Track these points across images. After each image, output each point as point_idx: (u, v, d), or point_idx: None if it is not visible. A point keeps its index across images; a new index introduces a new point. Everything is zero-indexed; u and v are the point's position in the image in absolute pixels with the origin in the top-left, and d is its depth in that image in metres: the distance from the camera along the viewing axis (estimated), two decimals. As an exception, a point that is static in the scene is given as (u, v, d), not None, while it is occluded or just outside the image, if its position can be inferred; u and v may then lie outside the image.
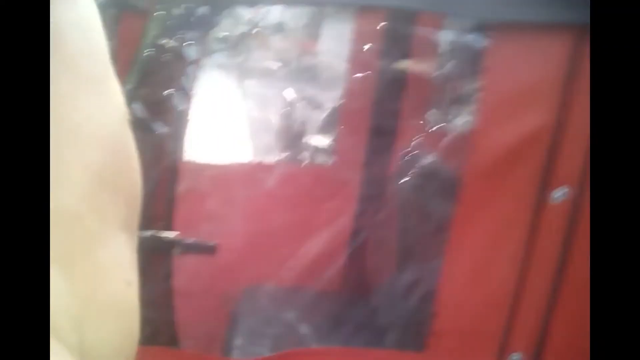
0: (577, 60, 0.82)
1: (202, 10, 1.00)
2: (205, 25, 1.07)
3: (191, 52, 1.04)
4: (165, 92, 1.30)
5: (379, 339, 1.24)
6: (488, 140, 0.85)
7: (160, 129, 1.39)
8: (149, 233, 1.31)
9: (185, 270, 1.42)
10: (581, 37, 0.82)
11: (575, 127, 0.86)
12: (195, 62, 1.09)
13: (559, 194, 0.88)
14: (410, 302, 1.13)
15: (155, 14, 0.89)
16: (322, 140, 2.20)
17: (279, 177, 1.81)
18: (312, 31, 4.81)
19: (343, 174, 1.74)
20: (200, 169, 1.68)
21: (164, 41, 0.95)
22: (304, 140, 2.31)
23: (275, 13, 5.02)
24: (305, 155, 2.27)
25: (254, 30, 4.67)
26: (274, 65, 4.70)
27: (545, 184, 0.88)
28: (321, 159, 2.16)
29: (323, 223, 1.72)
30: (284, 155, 2.34)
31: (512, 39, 0.82)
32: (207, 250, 1.44)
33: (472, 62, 1.02)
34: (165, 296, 1.36)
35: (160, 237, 1.33)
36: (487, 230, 0.90)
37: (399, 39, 1.51)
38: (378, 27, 1.52)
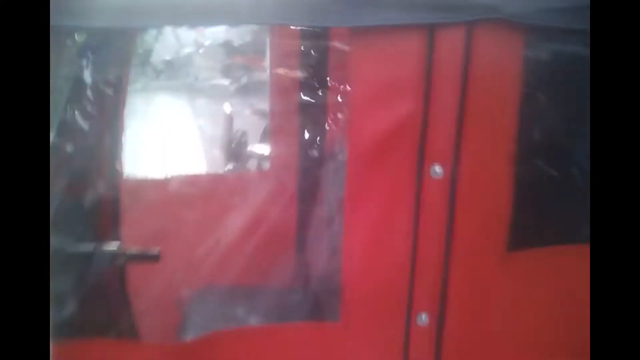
0: (432, 55, 0.96)
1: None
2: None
3: (87, 76, 1.15)
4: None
5: (296, 314, 1.36)
6: (362, 129, 0.99)
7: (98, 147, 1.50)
8: (91, 246, 1.41)
9: (137, 278, 1.52)
10: (432, 35, 0.96)
11: (441, 113, 1.00)
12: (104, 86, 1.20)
13: (435, 170, 1.01)
14: (323, 279, 1.26)
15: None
16: (264, 149, 2.33)
17: (222, 185, 1.92)
18: (259, 47, 4.96)
19: (279, 177, 1.86)
20: (143, 184, 1.78)
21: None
22: (249, 150, 2.45)
23: (220, 32, 5.15)
24: (252, 164, 2.40)
25: (200, 50, 4.79)
26: (224, 82, 4.82)
27: (422, 163, 1.01)
28: (266, 166, 2.28)
29: (266, 224, 1.83)
30: (231, 165, 2.47)
31: (373, 41, 0.96)
32: (151, 258, 1.54)
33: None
34: (121, 301, 1.46)
35: (103, 249, 1.43)
36: (376, 206, 1.04)
37: (312, 52, 1.66)
38: (294, 43, 1.66)
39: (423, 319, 1.10)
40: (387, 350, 1.10)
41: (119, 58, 1.31)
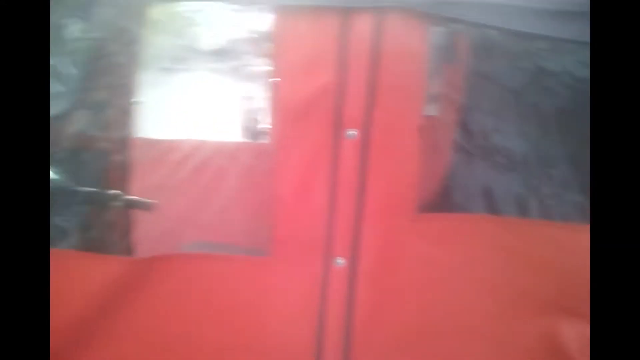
0: (347, 35, 1.16)
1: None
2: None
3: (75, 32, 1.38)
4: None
5: (237, 250, 1.58)
6: (285, 94, 1.20)
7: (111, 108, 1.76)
8: (94, 190, 1.68)
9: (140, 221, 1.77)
10: (347, 17, 1.15)
11: (355, 85, 1.19)
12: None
13: (350, 133, 1.21)
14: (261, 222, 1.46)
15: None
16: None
17: (222, 152, 2.17)
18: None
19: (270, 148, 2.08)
20: (153, 144, 2.04)
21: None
22: (259, 126, 2.70)
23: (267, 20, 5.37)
24: (260, 139, 2.65)
25: (248, 36, 5.04)
26: (266, 67, 5.02)
27: (339, 125, 1.21)
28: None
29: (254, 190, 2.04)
30: (243, 138, 2.73)
31: (293, 20, 1.17)
32: (145, 206, 1.79)
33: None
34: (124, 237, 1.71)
35: (103, 192, 1.69)
36: (300, 161, 1.24)
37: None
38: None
39: (340, 262, 1.29)
40: (308, 284, 1.30)
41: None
